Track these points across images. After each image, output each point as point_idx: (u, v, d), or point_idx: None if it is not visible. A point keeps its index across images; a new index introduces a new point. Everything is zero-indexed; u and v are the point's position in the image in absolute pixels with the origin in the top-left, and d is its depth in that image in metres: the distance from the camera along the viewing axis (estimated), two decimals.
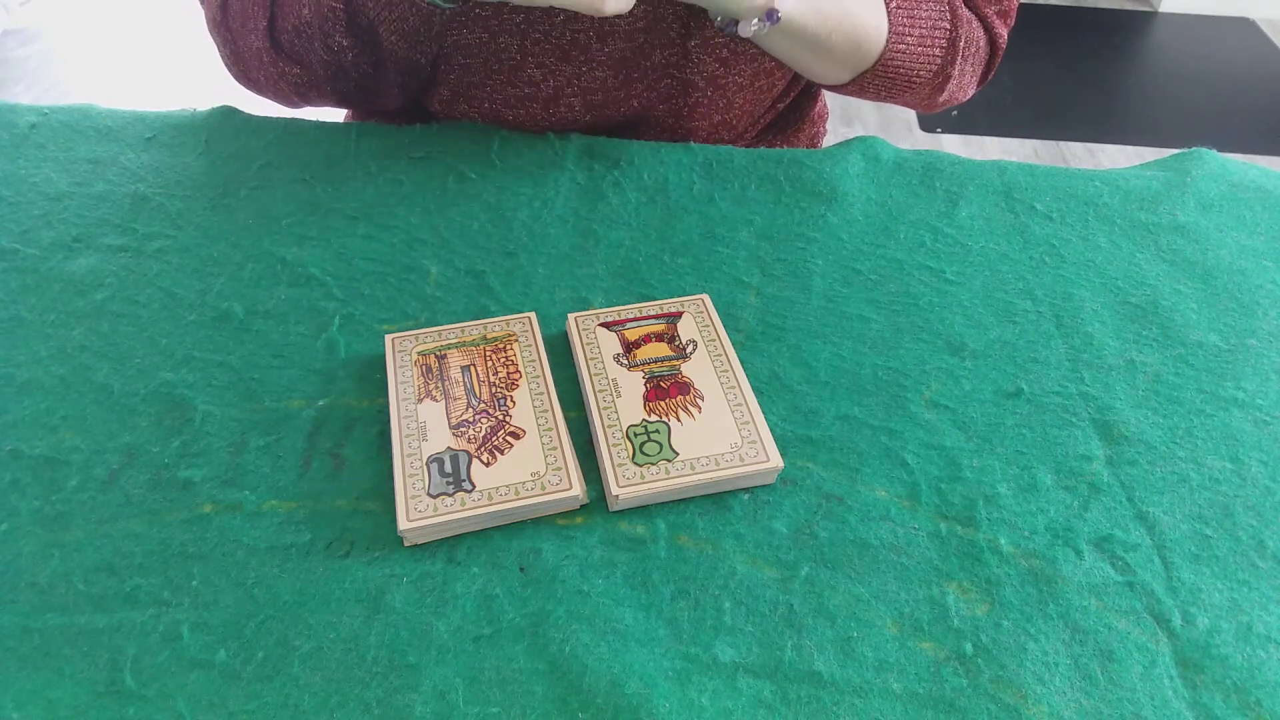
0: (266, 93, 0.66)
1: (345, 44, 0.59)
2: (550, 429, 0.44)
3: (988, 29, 0.66)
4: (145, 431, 0.46)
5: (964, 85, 0.67)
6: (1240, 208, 0.62)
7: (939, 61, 0.63)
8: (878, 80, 0.63)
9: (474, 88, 0.65)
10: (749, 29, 0.54)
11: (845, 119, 2.16)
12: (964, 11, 0.63)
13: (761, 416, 0.45)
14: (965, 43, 0.63)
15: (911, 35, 0.60)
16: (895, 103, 0.68)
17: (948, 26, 0.62)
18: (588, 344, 0.49)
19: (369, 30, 0.58)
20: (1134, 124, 2.21)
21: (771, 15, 0.52)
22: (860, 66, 0.61)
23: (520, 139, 0.65)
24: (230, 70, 0.66)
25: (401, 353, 0.48)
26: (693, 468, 0.43)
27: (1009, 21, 0.67)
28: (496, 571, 0.41)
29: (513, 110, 0.66)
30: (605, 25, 0.61)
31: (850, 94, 0.67)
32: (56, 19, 2.52)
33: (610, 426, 0.45)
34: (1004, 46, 0.67)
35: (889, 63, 0.61)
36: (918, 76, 0.63)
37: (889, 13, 0.60)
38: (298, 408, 0.47)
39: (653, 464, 0.43)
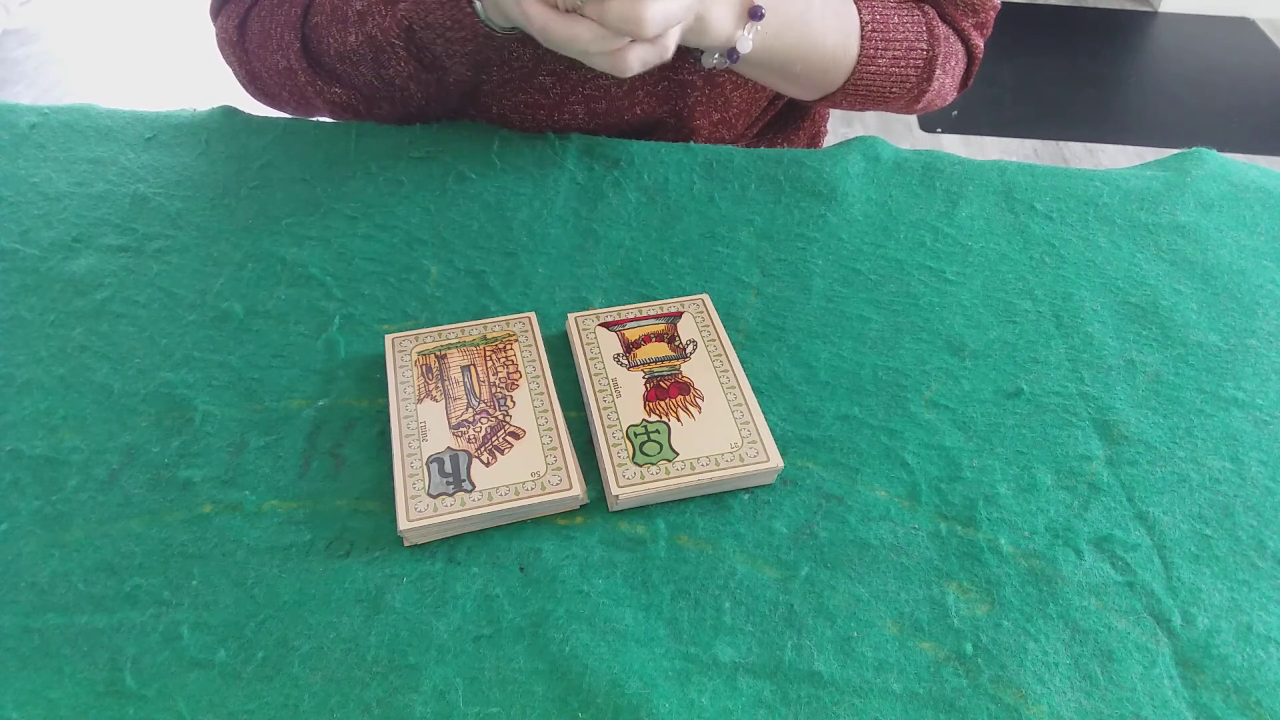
0: (286, 108, 0.67)
1: (405, 71, 0.60)
2: (550, 429, 0.44)
3: (964, 40, 0.67)
4: (145, 431, 0.46)
5: (943, 93, 0.69)
6: (1240, 208, 0.62)
7: (913, 80, 0.64)
8: (849, 99, 0.64)
9: (485, 95, 0.66)
10: (710, 61, 0.56)
11: (845, 119, 2.16)
12: (941, 30, 0.64)
13: (761, 416, 0.45)
14: (944, 58, 0.64)
15: (883, 58, 0.61)
16: (871, 111, 0.69)
17: (924, 47, 0.63)
18: (588, 344, 0.49)
19: (434, 62, 0.59)
20: (1134, 124, 2.21)
21: (731, 54, 0.54)
22: (828, 89, 0.63)
23: (520, 139, 0.65)
24: (246, 88, 0.67)
25: (401, 353, 0.48)
26: (693, 468, 0.43)
27: (986, 32, 0.68)
28: (496, 571, 0.41)
29: (519, 115, 0.67)
30: None
31: (824, 107, 0.67)
32: (56, 19, 2.52)
33: (610, 426, 0.45)
34: (980, 56, 0.69)
35: (858, 83, 0.62)
36: (890, 94, 0.65)
37: (862, 37, 0.60)
38: (298, 408, 0.47)
39: (653, 464, 0.43)
